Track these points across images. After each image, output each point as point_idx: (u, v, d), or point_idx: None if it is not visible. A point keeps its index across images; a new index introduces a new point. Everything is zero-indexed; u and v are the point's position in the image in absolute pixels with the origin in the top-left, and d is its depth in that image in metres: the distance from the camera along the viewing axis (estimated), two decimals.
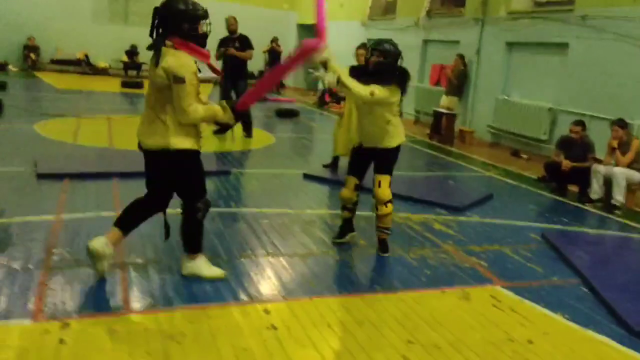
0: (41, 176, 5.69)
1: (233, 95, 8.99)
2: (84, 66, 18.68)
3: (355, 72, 4.36)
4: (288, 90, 19.78)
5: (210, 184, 6.28)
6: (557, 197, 6.95)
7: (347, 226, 4.65)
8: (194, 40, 3.33)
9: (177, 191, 3.59)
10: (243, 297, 3.50)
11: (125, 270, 3.71)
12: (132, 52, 18.76)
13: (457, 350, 3.06)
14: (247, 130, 9.18)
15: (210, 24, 3.40)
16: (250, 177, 6.80)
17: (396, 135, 4.34)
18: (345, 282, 3.91)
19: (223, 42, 8.85)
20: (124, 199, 5.21)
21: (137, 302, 3.30)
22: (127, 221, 3.59)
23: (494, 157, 9.50)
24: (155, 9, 3.30)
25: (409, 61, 15.45)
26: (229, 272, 3.83)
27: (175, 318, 3.14)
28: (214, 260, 3.97)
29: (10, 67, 17.40)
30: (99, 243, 3.43)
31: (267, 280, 3.79)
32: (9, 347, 2.72)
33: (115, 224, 3.56)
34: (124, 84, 15.71)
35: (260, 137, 9.38)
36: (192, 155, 3.47)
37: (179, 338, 2.93)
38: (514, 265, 4.46)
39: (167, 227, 3.63)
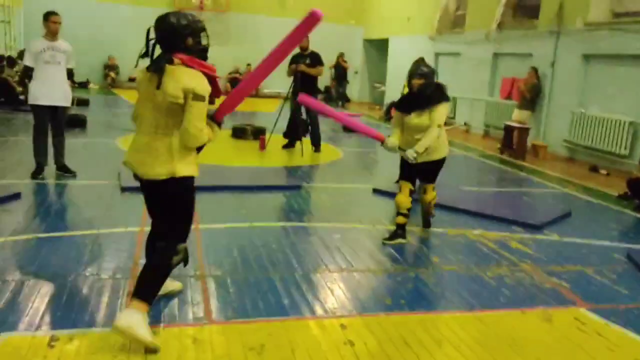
0: (125, 189, 5.97)
1: (303, 111, 9.14)
2: None
3: (406, 101, 5.00)
4: (353, 104, 19.89)
5: (281, 198, 6.44)
6: None
7: (400, 231, 4.98)
8: (198, 54, 3.07)
9: (164, 225, 3.20)
10: (320, 311, 3.53)
11: (205, 282, 3.82)
12: None
13: None
14: (316, 145, 9.29)
15: (208, 36, 3.14)
16: (320, 192, 6.86)
17: (443, 148, 4.94)
18: (421, 299, 3.86)
19: (294, 59, 9.03)
20: (201, 211, 5.42)
21: (218, 313, 3.40)
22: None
23: (570, 173, 9.15)
24: (155, 26, 3.02)
25: (479, 74, 15.15)
26: (305, 286, 3.88)
27: (255, 330, 3.21)
28: (290, 275, 4.05)
29: (91, 85, 18.43)
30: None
31: (342, 295, 3.81)
32: (102, 354, 2.85)
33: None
34: None
35: (328, 152, 9.46)
36: (193, 183, 3.17)
37: (259, 349, 2.99)
38: (598, 286, 4.27)
39: (186, 254, 3.30)
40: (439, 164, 4.98)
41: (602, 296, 4.08)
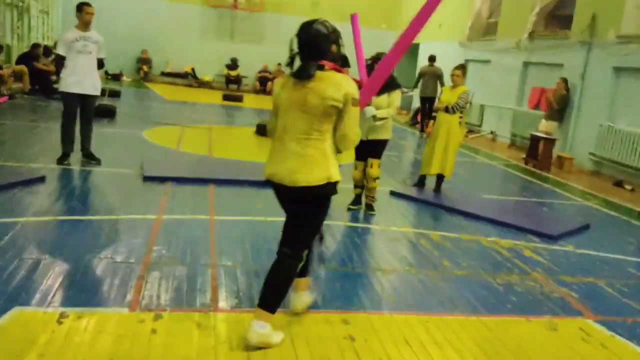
0: (147, 178, 6.12)
1: None
2: (190, 79, 19.81)
3: None
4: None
5: None
6: None
7: (358, 199, 6.00)
8: (341, 62, 3.09)
9: (296, 233, 3.08)
10: (324, 306, 3.58)
11: (215, 271, 3.91)
12: (232, 66, 19.67)
13: None
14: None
15: (343, 45, 3.09)
16: (338, 192, 6.87)
17: (389, 131, 5.85)
18: (427, 301, 3.87)
19: None
20: (219, 204, 5.52)
21: (224, 301, 3.48)
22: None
23: (594, 186, 9.01)
24: (300, 33, 2.98)
25: (508, 83, 14.93)
26: (313, 281, 3.92)
27: None
28: None
29: (124, 77, 18.80)
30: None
31: (349, 292, 3.85)
32: (107, 333, 2.96)
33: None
34: (225, 97, 16.50)
35: (349, 153, 9.45)
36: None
37: None
38: (608, 299, 4.22)
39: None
40: (383, 143, 5.78)
41: (611, 309, 4.03)
